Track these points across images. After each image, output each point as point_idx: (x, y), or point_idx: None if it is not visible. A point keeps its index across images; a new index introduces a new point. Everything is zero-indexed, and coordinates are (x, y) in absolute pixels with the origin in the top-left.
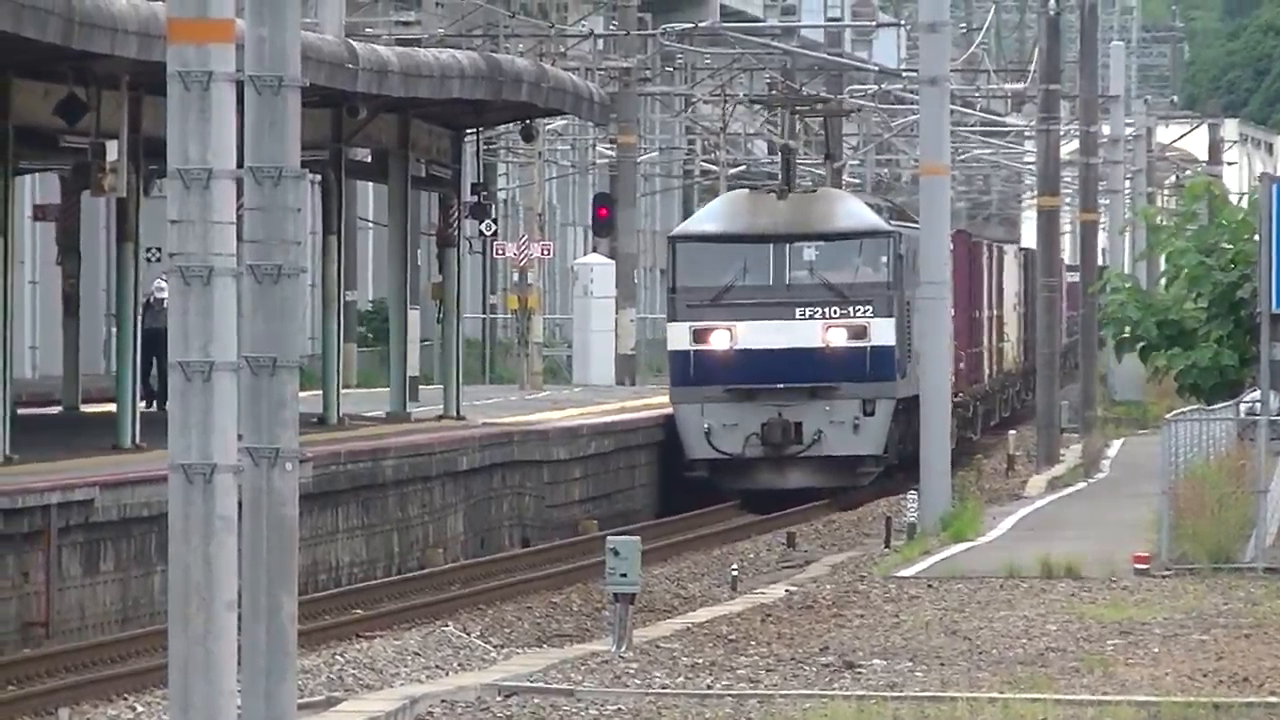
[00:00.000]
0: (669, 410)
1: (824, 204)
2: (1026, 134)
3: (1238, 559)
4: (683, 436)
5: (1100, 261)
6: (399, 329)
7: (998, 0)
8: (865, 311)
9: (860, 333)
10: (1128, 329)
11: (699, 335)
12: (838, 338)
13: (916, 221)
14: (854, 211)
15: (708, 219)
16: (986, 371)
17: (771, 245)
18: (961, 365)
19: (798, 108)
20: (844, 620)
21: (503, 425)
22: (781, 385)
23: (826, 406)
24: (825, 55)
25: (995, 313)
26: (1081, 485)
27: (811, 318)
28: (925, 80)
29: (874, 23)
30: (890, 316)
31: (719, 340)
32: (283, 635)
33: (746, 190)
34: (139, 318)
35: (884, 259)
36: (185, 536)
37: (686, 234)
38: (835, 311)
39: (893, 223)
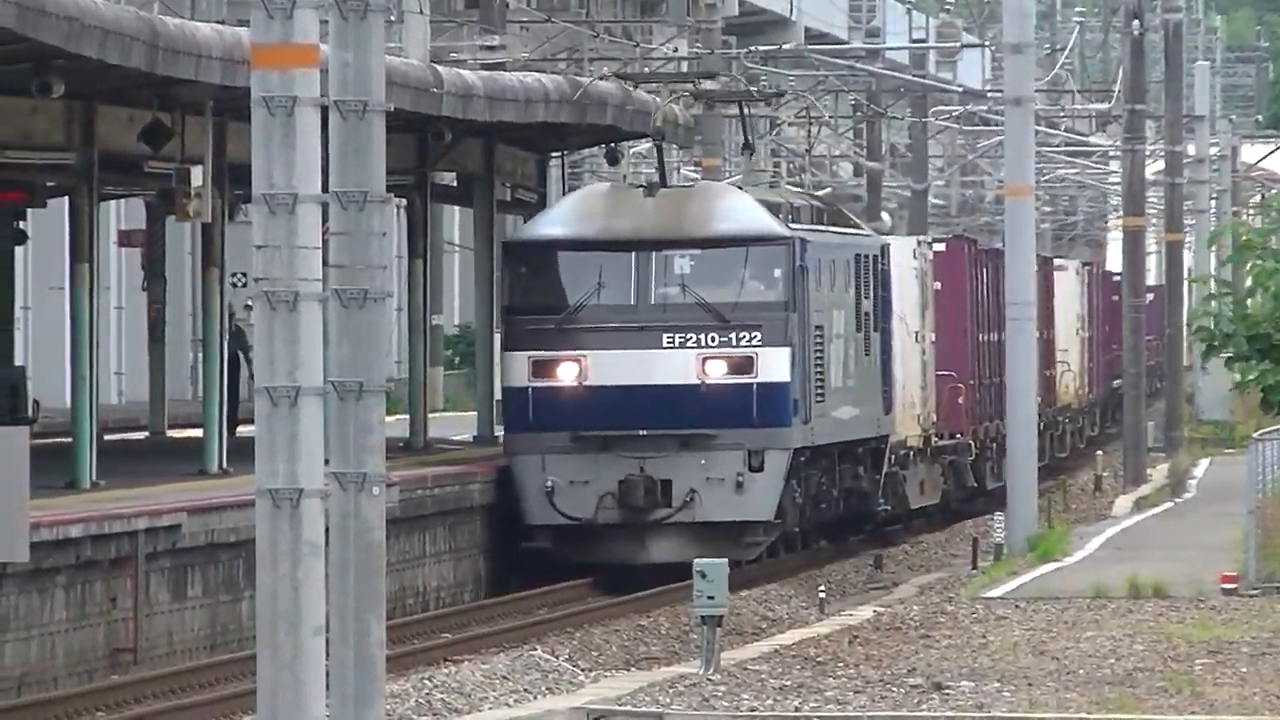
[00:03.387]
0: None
1: (702, 202)
2: (1111, 154)
3: None
4: (519, 496)
5: (1185, 279)
6: (485, 352)
7: (1082, 20)
8: (753, 339)
9: (745, 366)
10: (1218, 339)
11: (540, 368)
12: (717, 372)
13: (851, 224)
14: (741, 211)
15: (554, 220)
16: None
17: (634, 254)
18: (960, 401)
19: (673, 86)
20: (932, 641)
21: None
22: (644, 432)
23: (702, 460)
24: (909, 77)
25: (1042, 336)
26: (1168, 505)
27: (684, 346)
28: (1010, 101)
29: (958, 44)
30: (785, 345)
31: (565, 374)
32: (371, 660)
33: (606, 185)
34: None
35: (778, 272)
36: (273, 562)
37: (525, 239)
38: (714, 339)
39: (797, 226)
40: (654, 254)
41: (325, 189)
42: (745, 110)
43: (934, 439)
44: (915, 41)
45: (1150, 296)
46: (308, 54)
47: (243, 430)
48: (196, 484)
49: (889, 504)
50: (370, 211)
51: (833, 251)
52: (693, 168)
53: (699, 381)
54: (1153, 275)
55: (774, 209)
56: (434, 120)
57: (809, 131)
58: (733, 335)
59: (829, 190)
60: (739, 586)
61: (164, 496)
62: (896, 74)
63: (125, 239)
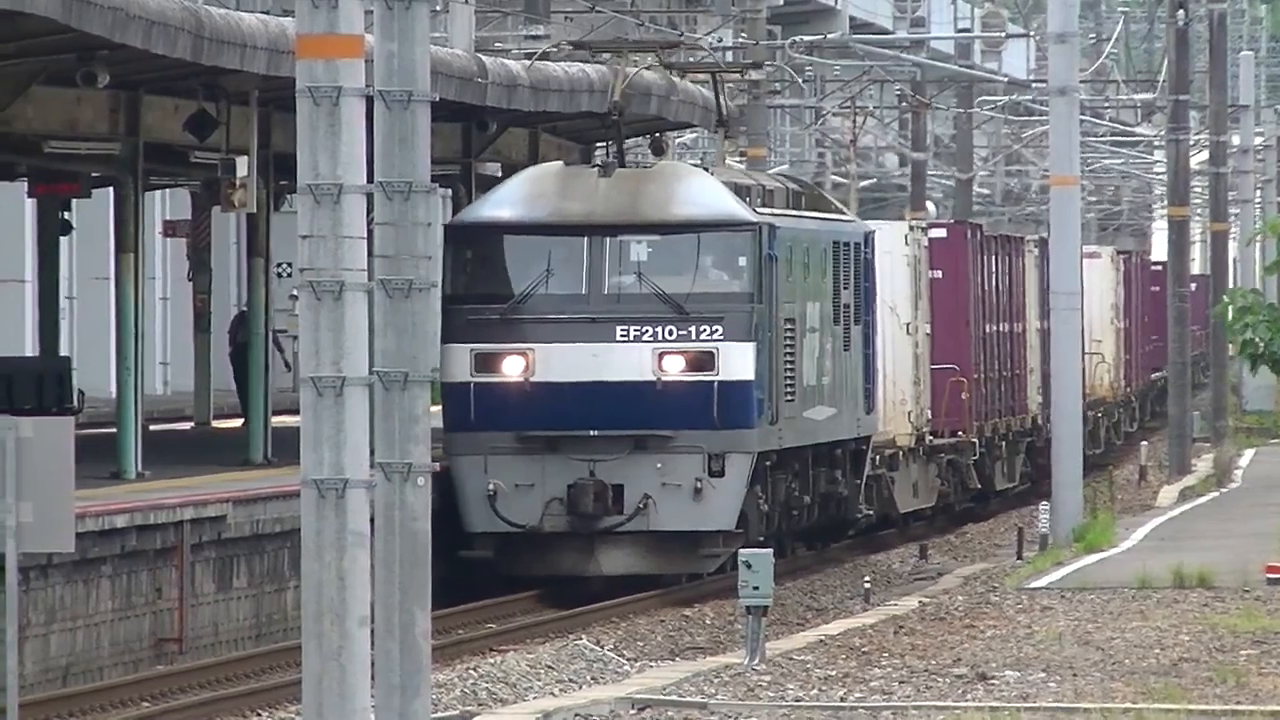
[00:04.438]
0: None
1: (662, 184)
2: (1156, 144)
3: None
4: (459, 501)
5: (1230, 271)
6: None
7: (1127, 10)
8: (714, 333)
9: (706, 362)
10: (1263, 353)
11: (483, 362)
12: (674, 368)
13: (832, 209)
14: (703, 194)
15: (501, 201)
16: (1039, 402)
17: (586, 239)
18: (963, 396)
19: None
20: (977, 631)
21: None
22: (595, 433)
23: (657, 463)
24: (955, 66)
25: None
26: (1213, 495)
27: (639, 340)
28: (1054, 91)
29: (1003, 34)
30: (749, 340)
31: (511, 369)
32: (416, 650)
33: (558, 164)
34: (237, 331)
35: (743, 260)
36: (318, 552)
37: (468, 222)
38: (672, 332)
39: (767, 210)
40: (608, 239)
41: (370, 179)
42: (718, 82)
43: (928, 438)
44: (960, 31)
45: (1193, 286)
46: (353, 44)
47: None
48: (241, 474)
49: (873, 509)
50: (415, 202)
51: (807, 238)
52: (738, 158)
53: (655, 379)
54: (1197, 265)
55: (741, 192)
56: (479, 110)
57: (854, 122)
58: (692, 329)
59: (873, 180)
60: (779, 578)
61: (209, 487)
62: (942, 64)
63: (170, 229)
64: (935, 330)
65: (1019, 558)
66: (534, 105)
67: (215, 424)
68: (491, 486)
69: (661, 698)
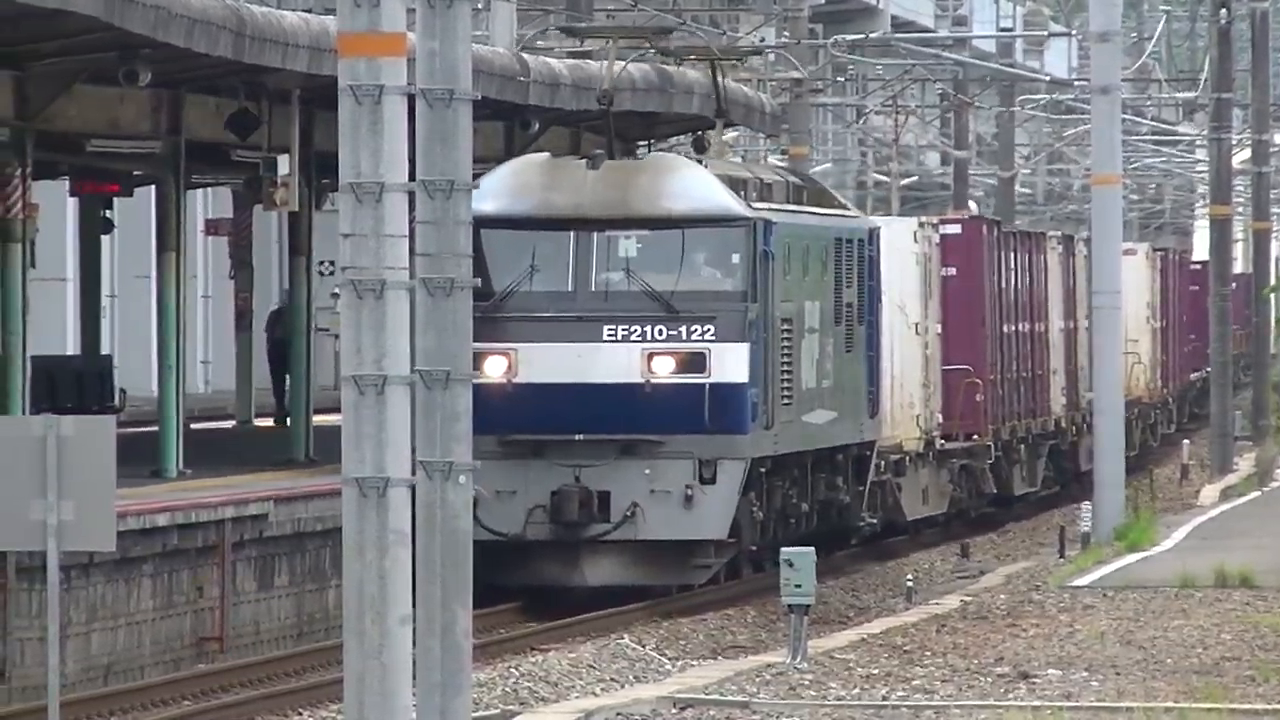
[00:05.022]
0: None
1: (653, 177)
2: (1198, 143)
3: None
4: None
5: (1272, 270)
6: None
7: (1169, 9)
8: (706, 333)
9: (697, 363)
10: None
11: None
12: (664, 370)
13: (835, 204)
14: (696, 188)
15: (484, 194)
16: (1062, 404)
17: (572, 234)
18: (978, 398)
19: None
20: (1019, 630)
21: None
22: (581, 437)
23: (646, 469)
24: (997, 65)
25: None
26: (1255, 494)
27: (627, 340)
28: (1096, 89)
29: (1045, 32)
30: (743, 340)
31: (492, 369)
32: (458, 649)
33: (544, 155)
34: (273, 328)
35: (736, 257)
36: (359, 551)
37: None
38: (662, 332)
39: (764, 205)
40: (595, 235)
41: (412, 178)
42: (717, 72)
43: (939, 442)
44: (1002, 30)
45: (1233, 285)
46: (395, 42)
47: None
48: (283, 472)
49: (877, 517)
50: (457, 200)
51: (807, 234)
52: (779, 156)
53: (643, 380)
54: (1239, 264)
55: (736, 185)
56: (521, 109)
57: (896, 121)
58: (683, 328)
59: (915, 178)
60: (822, 576)
61: (250, 485)
62: (983, 63)
63: (212, 228)
64: (949, 330)
65: (1061, 556)
66: (576, 104)
67: (257, 422)
68: (473, 493)
69: (703, 697)
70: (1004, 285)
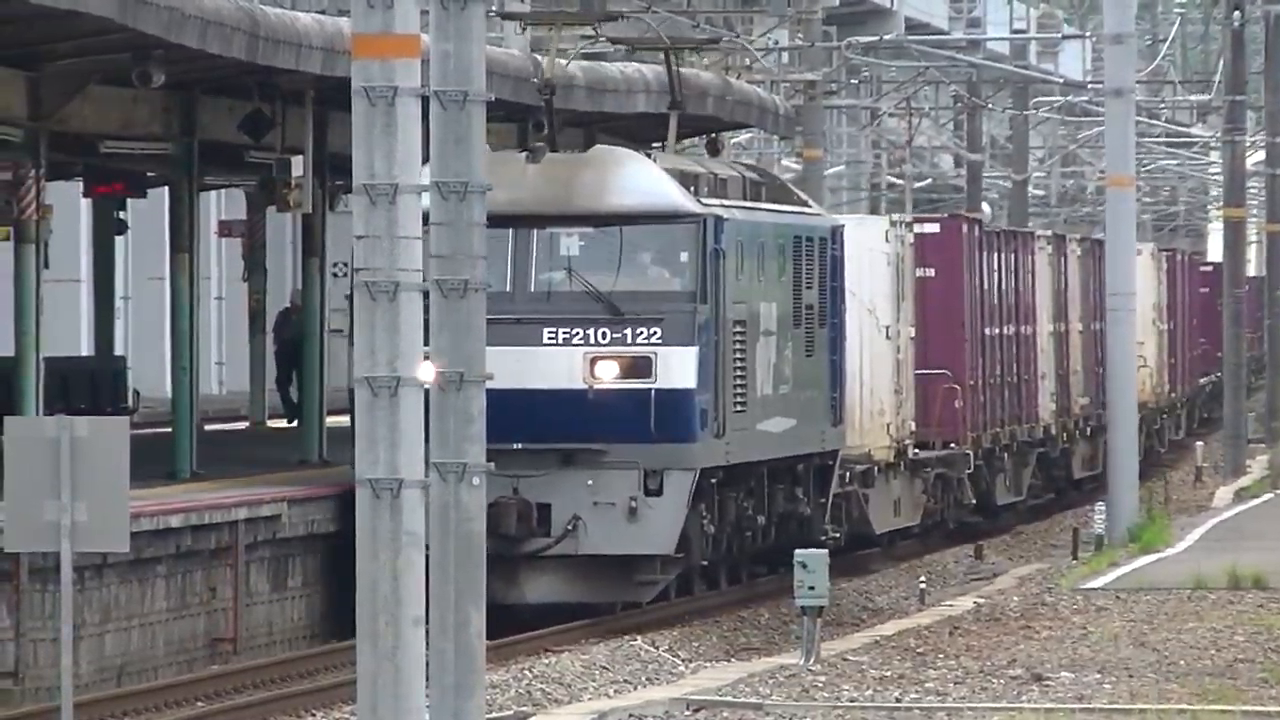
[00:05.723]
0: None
1: (597, 171)
2: (1212, 145)
3: None
4: None
5: None
6: None
7: (1183, 11)
8: (652, 336)
9: (643, 368)
10: None
11: None
12: (607, 375)
13: (795, 201)
14: (643, 182)
15: None
16: (1052, 410)
17: (511, 231)
18: (957, 405)
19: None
20: (1032, 632)
21: None
22: (519, 446)
23: (588, 480)
24: (1011, 67)
25: (1088, 328)
26: (1268, 496)
27: (569, 344)
28: (1110, 92)
29: (1059, 35)
30: (691, 344)
31: (425, 376)
32: (471, 650)
33: (484, 148)
34: (281, 328)
35: (685, 255)
36: (373, 552)
37: None
38: (605, 335)
39: (715, 201)
40: (535, 232)
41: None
42: (672, 62)
43: (912, 450)
44: (1016, 32)
45: (1245, 288)
46: (409, 44)
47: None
48: (296, 474)
49: (841, 530)
50: (471, 201)
51: (763, 232)
52: (793, 159)
53: (586, 386)
54: (1252, 266)
55: (688, 180)
56: (534, 110)
57: (909, 123)
58: (628, 331)
59: (929, 180)
60: (835, 578)
61: (264, 487)
62: (997, 64)
63: (225, 229)
64: (927, 333)
65: (1074, 558)
66: (590, 105)
67: (270, 424)
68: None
69: (716, 698)
70: (986, 287)
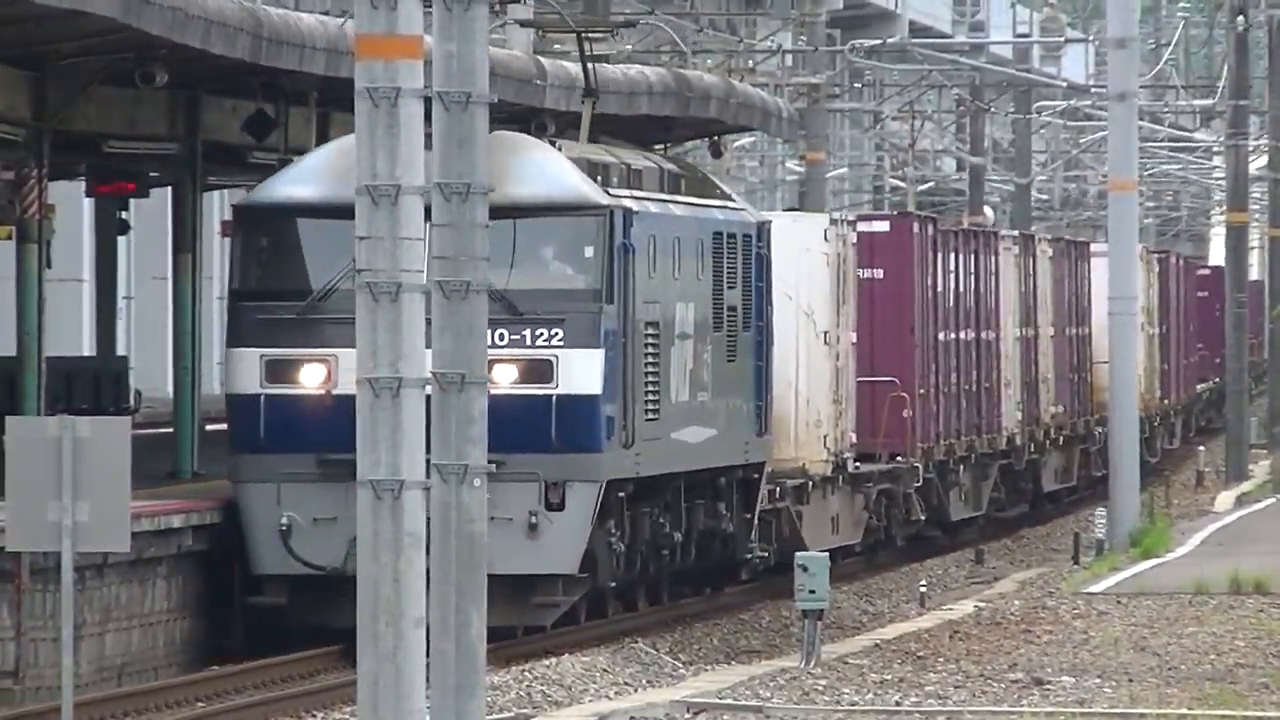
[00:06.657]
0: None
1: (495, 159)
2: (1215, 150)
3: None
4: (246, 537)
5: None
6: None
7: (1186, 16)
8: (553, 337)
9: (543, 372)
10: None
11: (276, 370)
12: (505, 379)
13: (718, 194)
14: (544, 172)
15: (299, 178)
16: (1017, 419)
17: None
18: (905, 414)
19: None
20: (1032, 636)
21: None
22: None
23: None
24: (1013, 71)
25: (1063, 332)
26: (1270, 501)
27: None
28: (1114, 96)
29: (1062, 39)
30: (596, 347)
31: (309, 379)
32: (472, 652)
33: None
34: None
35: (589, 251)
36: (374, 553)
37: (259, 202)
38: (503, 336)
39: (625, 192)
40: (426, 224)
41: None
42: (585, 46)
43: (852, 464)
44: (1019, 36)
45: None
46: (412, 45)
47: None
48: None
49: (769, 549)
50: (473, 203)
51: (679, 227)
52: (796, 162)
53: None
54: (1255, 271)
55: (596, 170)
56: (537, 112)
57: (912, 126)
58: (526, 332)
59: (931, 184)
60: (836, 582)
61: None
62: (1000, 68)
63: (229, 229)
64: (873, 339)
65: (1075, 562)
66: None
67: None
68: (285, 520)
69: (716, 701)
70: (941, 289)
